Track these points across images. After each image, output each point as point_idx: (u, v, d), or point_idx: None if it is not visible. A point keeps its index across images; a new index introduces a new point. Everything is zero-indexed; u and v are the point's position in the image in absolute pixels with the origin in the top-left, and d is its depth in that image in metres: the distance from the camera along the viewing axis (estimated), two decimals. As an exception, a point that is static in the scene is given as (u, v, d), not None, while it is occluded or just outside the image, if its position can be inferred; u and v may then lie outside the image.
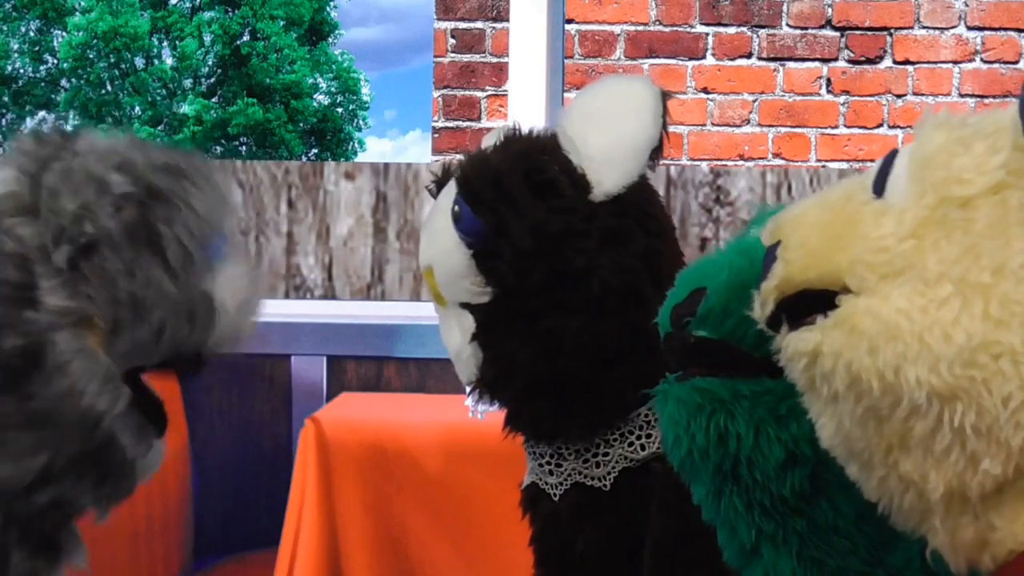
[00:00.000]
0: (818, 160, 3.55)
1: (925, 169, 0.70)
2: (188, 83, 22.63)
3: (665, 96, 1.10)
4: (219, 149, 21.46)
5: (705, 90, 3.57)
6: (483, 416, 1.57)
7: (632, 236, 1.07)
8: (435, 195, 1.17)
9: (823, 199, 0.78)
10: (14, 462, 0.83)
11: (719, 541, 0.93)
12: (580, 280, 1.04)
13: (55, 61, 22.86)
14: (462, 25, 3.59)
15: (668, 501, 1.07)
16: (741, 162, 3.54)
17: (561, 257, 1.05)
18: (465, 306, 1.09)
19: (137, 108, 22.17)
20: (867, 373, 0.68)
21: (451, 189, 1.11)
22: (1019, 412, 0.64)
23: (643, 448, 1.11)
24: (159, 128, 21.59)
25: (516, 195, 1.06)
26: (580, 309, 1.05)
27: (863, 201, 0.74)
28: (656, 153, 1.09)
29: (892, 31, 3.56)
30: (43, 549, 0.89)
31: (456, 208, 1.08)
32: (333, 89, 24.20)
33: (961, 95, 3.55)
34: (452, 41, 3.59)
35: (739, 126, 3.57)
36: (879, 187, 0.73)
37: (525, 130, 1.14)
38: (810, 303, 0.73)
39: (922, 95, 3.54)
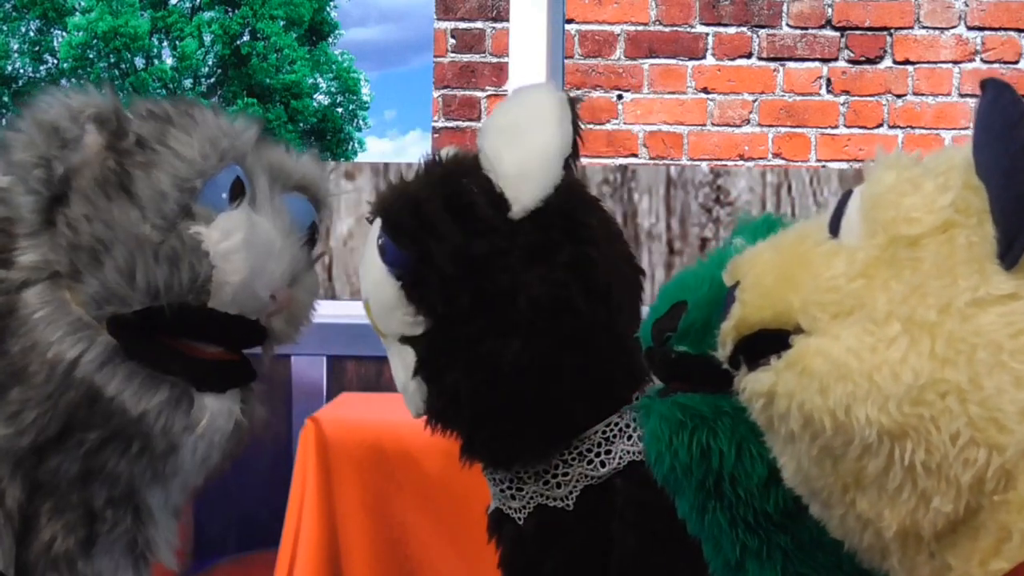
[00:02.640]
0: (818, 160, 3.55)
1: (875, 209, 0.71)
2: (188, 83, 22.64)
3: (573, 100, 1.07)
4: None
5: (705, 90, 3.57)
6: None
7: (557, 248, 1.03)
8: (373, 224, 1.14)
9: (779, 240, 0.79)
10: (6, 421, 0.83)
11: (704, 555, 0.94)
12: (508, 300, 1.02)
13: (55, 61, 22.88)
14: (462, 25, 3.59)
15: (629, 517, 1.06)
16: (741, 162, 3.54)
17: (486, 279, 1.02)
18: (404, 340, 1.07)
19: (137, 108, 22.16)
20: (819, 413, 0.68)
21: (378, 222, 1.10)
22: (967, 449, 0.64)
23: (603, 465, 1.09)
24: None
25: (435, 221, 1.03)
26: (513, 330, 1.02)
27: (817, 241, 0.75)
28: (572, 157, 1.07)
29: (892, 31, 3.56)
30: (86, 523, 0.87)
31: (380, 241, 1.07)
32: (333, 89, 24.21)
33: (961, 95, 3.55)
34: (452, 41, 3.59)
35: (739, 126, 3.57)
36: (834, 227, 0.74)
37: (449, 154, 1.12)
38: (767, 343, 0.74)
39: (922, 95, 3.54)
